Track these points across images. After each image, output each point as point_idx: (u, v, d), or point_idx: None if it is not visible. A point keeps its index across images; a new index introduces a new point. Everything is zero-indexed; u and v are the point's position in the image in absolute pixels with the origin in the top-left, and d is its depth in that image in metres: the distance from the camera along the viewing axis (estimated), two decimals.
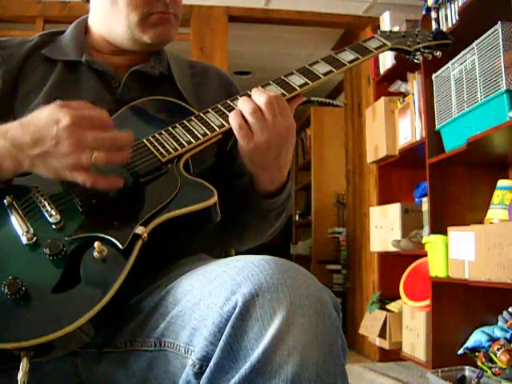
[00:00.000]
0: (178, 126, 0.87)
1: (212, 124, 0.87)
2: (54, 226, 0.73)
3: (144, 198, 0.79)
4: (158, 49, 1.01)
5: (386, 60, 3.04)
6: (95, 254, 0.69)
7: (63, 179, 0.74)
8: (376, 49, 0.99)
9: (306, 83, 0.92)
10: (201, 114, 0.89)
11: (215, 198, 0.77)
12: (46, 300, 0.66)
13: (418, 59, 1.05)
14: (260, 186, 0.89)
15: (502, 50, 1.87)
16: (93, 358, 0.74)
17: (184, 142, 0.85)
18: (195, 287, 0.68)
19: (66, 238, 0.71)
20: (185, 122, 0.88)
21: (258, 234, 0.98)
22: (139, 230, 0.72)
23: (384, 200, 2.99)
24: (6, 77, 0.92)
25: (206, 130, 0.86)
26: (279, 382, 0.55)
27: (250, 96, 0.85)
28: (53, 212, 0.74)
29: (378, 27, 3.17)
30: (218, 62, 3.25)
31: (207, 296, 0.64)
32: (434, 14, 2.45)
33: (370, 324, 2.88)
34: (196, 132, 0.86)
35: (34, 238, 0.71)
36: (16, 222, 0.73)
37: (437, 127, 2.33)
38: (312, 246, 4.66)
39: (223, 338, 0.59)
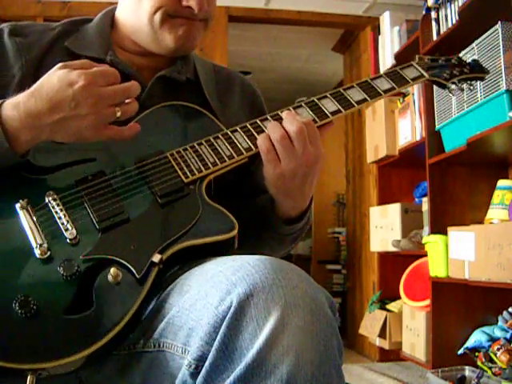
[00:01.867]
0: (203, 142, 0.84)
1: (239, 146, 0.84)
2: (68, 241, 0.70)
3: (162, 222, 0.76)
4: (182, 54, 0.95)
5: (386, 60, 3.04)
6: (109, 278, 0.67)
7: (86, 141, 0.73)
8: (413, 79, 0.97)
9: (339, 110, 0.89)
10: (228, 133, 0.85)
11: (235, 232, 0.76)
12: (57, 322, 0.64)
13: (452, 91, 1.03)
14: (281, 211, 0.87)
15: (502, 50, 1.87)
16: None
17: (209, 163, 0.81)
18: (192, 287, 0.68)
19: (81, 257, 0.69)
20: (211, 139, 0.84)
21: (271, 254, 0.96)
22: (156, 258, 0.70)
23: (384, 200, 2.99)
24: (25, 68, 0.87)
25: (233, 152, 0.83)
26: (274, 382, 0.55)
27: (280, 120, 0.83)
28: (69, 226, 0.71)
29: (378, 27, 3.18)
30: (218, 62, 3.24)
31: (203, 296, 0.64)
32: (434, 14, 2.46)
33: (370, 324, 2.88)
34: (222, 153, 0.83)
35: (48, 253, 0.68)
36: (30, 232, 0.70)
37: (437, 127, 2.33)
38: (312, 246, 4.66)
39: (218, 338, 0.58)
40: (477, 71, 1.05)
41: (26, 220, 0.71)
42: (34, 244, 0.69)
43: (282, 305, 0.58)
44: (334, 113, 0.88)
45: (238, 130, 0.86)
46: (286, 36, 3.88)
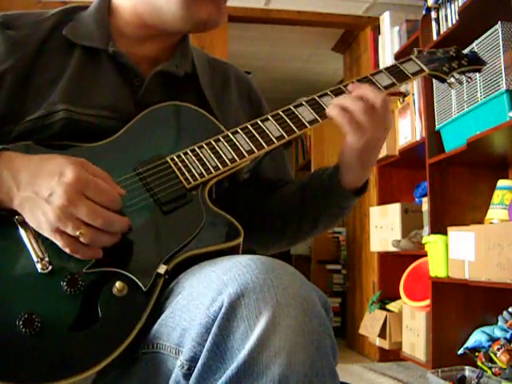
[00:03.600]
0: (204, 146, 0.82)
1: (241, 148, 0.82)
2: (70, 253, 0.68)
3: (166, 230, 0.74)
4: (209, 29, 0.91)
5: (386, 60, 3.04)
6: (115, 291, 0.66)
7: (43, 233, 0.67)
8: (413, 74, 0.96)
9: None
10: (229, 135, 0.84)
11: (241, 239, 0.74)
12: (61, 340, 0.63)
13: (451, 85, 1.03)
14: (350, 183, 0.88)
15: (501, 50, 1.87)
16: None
17: (211, 168, 0.80)
18: (185, 288, 0.68)
19: (85, 270, 0.67)
20: (212, 142, 0.82)
21: (323, 231, 0.99)
22: (162, 269, 0.68)
23: (384, 200, 2.99)
24: (20, 65, 0.83)
25: (235, 155, 0.81)
26: (266, 383, 0.55)
27: (281, 117, 0.85)
28: None
29: (378, 27, 3.18)
30: None
31: (196, 296, 0.64)
32: (434, 14, 2.46)
33: (370, 324, 2.87)
34: (224, 157, 0.81)
35: (50, 267, 0.67)
36: (30, 246, 0.68)
37: (437, 127, 2.33)
38: (312, 246, 4.65)
39: (210, 338, 0.58)
40: (475, 63, 1.04)
41: (25, 233, 0.69)
42: (34, 258, 0.67)
43: (273, 305, 0.57)
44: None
45: (239, 131, 0.84)
46: (286, 36, 3.88)
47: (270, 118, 0.86)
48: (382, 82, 0.92)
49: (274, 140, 0.84)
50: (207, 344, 0.58)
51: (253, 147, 0.83)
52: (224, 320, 0.58)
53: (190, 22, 0.88)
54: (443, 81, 1.01)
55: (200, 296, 0.63)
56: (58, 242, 0.66)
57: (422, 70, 0.97)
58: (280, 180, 1.03)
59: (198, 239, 0.73)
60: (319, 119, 0.87)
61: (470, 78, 1.04)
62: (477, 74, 1.08)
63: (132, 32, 0.91)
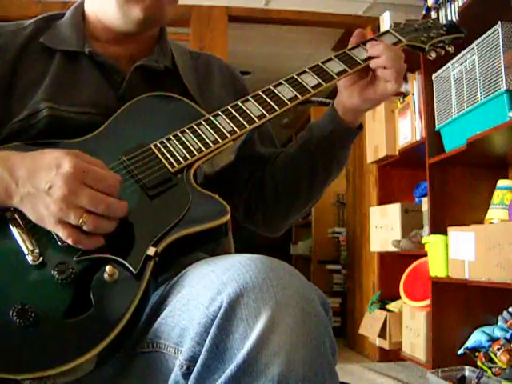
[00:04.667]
0: (186, 130, 0.83)
1: (223, 130, 0.83)
2: (60, 244, 0.69)
3: (153, 214, 0.75)
4: (151, 26, 0.94)
5: None
6: (106, 276, 0.66)
7: (46, 228, 0.68)
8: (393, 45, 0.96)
9: (320, 84, 0.91)
10: (210, 118, 0.85)
11: (228, 216, 0.75)
12: (57, 328, 0.63)
13: (431, 56, 1.02)
14: (348, 124, 0.93)
15: (501, 50, 1.87)
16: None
17: (194, 150, 0.81)
18: (185, 287, 0.68)
19: (75, 259, 0.68)
20: (194, 126, 0.84)
21: (327, 184, 1.01)
22: (151, 251, 0.69)
23: (384, 200, 2.99)
24: (1, 72, 0.86)
25: (217, 137, 0.83)
26: (266, 382, 0.55)
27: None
28: None
29: (378, 27, 3.17)
30: None
31: (195, 296, 0.64)
32: (434, 14, 2.45)
33: (370, 324, 2.87)
34: (206, 139, 0.82)
35: (41, 258, 0.67)
36: (20, 239, 0.69)
37: (437, 127, 2.33)
38: (312, 246, 4.66)
39: (209, 338, 0.58)
40: (453, 32, 1.03)
41: (15, 226, 0.70)
42: (25, 251, 0.68)
43: (272, 304, 0.57)
44: (315, 87, 0.89)
45: (220, 113, 0.86)
46: (286, 36, 3.88)
47: (250, 98, 0.87)
48: (361, 56, 0.94)
49: (256, 119, 0.85)
50: (206, 344, 0.58)
51: (234, 127, 0.84)
52: (223, 320, 0.58)
53: (129, 22, 0.89)
54: (422, 50, 1.01)
55: (199, 296, 0.63)
56: (61, 233, 0.67)
57: (399, 41, 0.97)
58: (272, 152, 1.04)
59: (185, 220, 0.73)
60: (299, 96, 0.88)
61: (449, 47, 1.03)
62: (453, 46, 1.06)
63: (103, 35, 0.94)
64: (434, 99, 2.35)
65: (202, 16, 3.38)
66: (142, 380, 0.69)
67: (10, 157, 0.71)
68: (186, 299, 0.65)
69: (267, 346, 0.55)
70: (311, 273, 4.52)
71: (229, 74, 1.07)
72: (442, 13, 2.41)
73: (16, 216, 0.70)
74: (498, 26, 1.89)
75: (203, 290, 0.63)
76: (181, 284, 0.70)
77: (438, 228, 2.30)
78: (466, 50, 2.09)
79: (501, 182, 2.14)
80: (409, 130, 2.68)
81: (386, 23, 3.04)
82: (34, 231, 0.70)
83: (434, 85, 2.35)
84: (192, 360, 0.60)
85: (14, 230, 0.70)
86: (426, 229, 2.44)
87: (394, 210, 2.78)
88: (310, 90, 0.88)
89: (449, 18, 2.35)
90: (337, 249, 4.37)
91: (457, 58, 2.15)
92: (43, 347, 0.62)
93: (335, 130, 0.93)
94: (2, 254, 0.69)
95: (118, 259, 0.68)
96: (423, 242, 2.37)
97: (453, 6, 2.32)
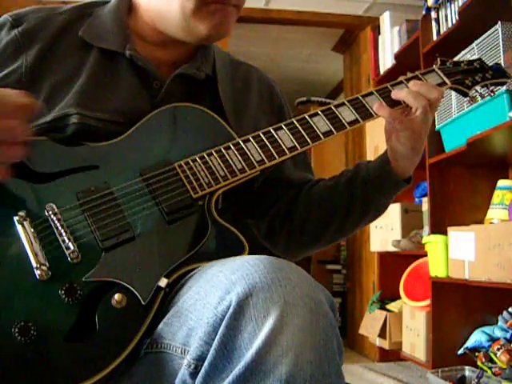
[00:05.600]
0: (214, 153, 0.79)
1: (251, 158, 0.80)
2: (70, 261, 0.67)
3: (169, 241, 0.72)
4: (212, 42, 0.89)
5: (386, 60, 3.04)
6: (113, 302, 0.65)
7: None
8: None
9: (357, 120, 0.89)
10: (240, 142, 0.81)
11: (246, 254, 0.73)
12: (58, 350, 0.62)
13: (475, 100, 0.99)
14: (400, 172, 0.90)
15: (501, 50, 1.88)
16: None
17: (219, 177, 0.77)
18: (192, 288, 0.68)
19: (84, 279, 0.66)
20: (222, 149, 0.80)
21: (366, 223, 0.99)
22: (162, 282, 0.67)
23: None
24: (29, 64, 0.81)
25: (245, 166, 0.79)
26: (273, 382, 0.55)
27: (296, 127, 0.84)
28: (70, 245, 0.68)
29: (378, 27, 3.18)
30: None
31: (203, 296, 0.64)
32: (434, 14, 2.46)
33: (370, 324, 2.88)
34: (233, 166, 0.79)
35: (49, 274, 0.65)
36: (30, 249, 0.66)
37: (437, 127, 2.33)
38: None
39: (217, 337, 0.58)
40: (499, 76, 1.00)
41: (24, 236, 0.67)
42: (34, 264, 0.66)
43: (281, 304, 0.57)
44: (351, 123, 0.87)
45: (251, 139, 0.81)
46: (286, 36, 3.88)
47: (283, 126, 0.84)
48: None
49: (287, 151, 0.82)
50: (215, 343, 0.58)
51: (264, 158, 0.80)
52: (232, 319, 0.58)
53: (190, 35, 0.85)
54: (465, 95, 0.97)
55: (207, 295, 0.63)
56: None
57: (444, 83, 0.94)
58: (304, 178, 1.01)
59: (201, 252, 0.72)
60: (334, 131, 0.85)
61: (492, 91, 0.99)
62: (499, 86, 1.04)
63: (150, 35, 0.88)
64: None
65: None
66: (147, 380, 0.69)
67: None
68: (193, 299, 0.65)
69: (275, 345, 0.55)
70: (311, 273, 4.52)
71: (267, 90, 1.02)
72: (441, 13, 2.41)
73: (27, 220, 0.68)
74: (498, 26, 1.89)
75: (211, 290, 0.63)
76: (187, 286, 0.70)
77: (438, 228, 2.30)
78: (465, 50, 2.09)
79: (501, 182, 2.14)
80: None
81: (385, 23, 3.05)
82: (45, 242, 0.67)
83: None
84: (200, 359, 0.60)
85: (23, 237, 0.68)
86: (426, 229, 2.44)
87: (393, 209, 2.78)
88: (347, 126, 0.86)
89: (449, 19, 2.35)
90: (337, 249, 4.37)
91: (457, 58, 2.15)
92: (40, 369, 0.61)
93: (383, 177, 0.89)
94: (9, 261, 0.67)
95: (129, 287, 0.67)
96: (423, 242, 2.37)
97: (453, 6, 2.33)
